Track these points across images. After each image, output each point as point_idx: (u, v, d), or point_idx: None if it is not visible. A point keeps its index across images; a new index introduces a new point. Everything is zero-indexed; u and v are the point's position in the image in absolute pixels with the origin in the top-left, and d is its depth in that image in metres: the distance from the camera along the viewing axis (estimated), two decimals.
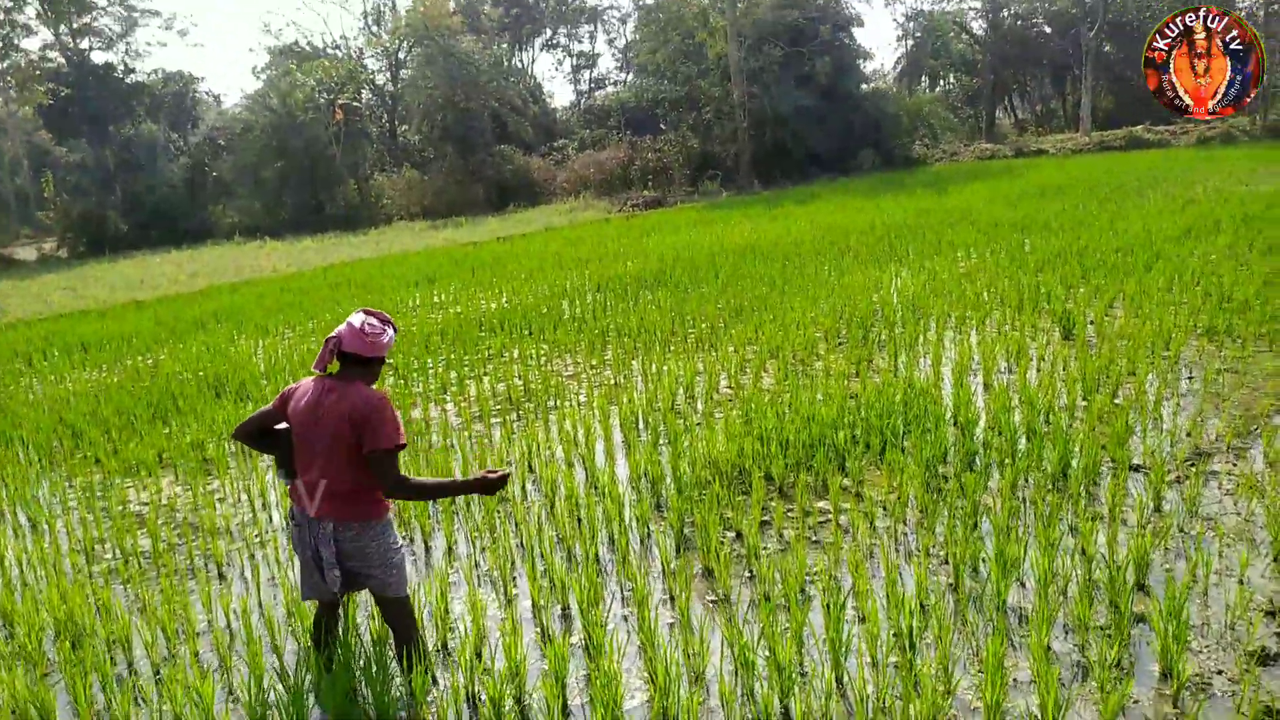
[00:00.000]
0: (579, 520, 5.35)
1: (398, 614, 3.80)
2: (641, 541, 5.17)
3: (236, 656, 4.27)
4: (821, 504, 5.41)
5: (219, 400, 8.99)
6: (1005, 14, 51.64)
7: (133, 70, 42.06)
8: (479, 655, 4.07)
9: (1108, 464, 5.60)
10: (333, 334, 3.64)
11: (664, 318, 10.91)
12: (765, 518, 5.29)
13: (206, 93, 46.77)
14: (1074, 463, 5.51)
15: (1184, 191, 19.06)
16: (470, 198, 37.22)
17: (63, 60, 40.41)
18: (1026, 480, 5.46)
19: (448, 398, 8.63)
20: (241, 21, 72.82)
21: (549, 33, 55.02)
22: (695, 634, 4.03)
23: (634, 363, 9.13)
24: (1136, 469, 5.54)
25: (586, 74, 58.09)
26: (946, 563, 4.57)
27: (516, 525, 5.41)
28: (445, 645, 4.22)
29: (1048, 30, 50.89)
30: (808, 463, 5.93)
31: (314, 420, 3.57)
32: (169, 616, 4.51)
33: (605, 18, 56.57)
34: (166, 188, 39.21)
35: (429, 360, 10.06)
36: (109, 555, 5.67)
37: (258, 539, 5.70)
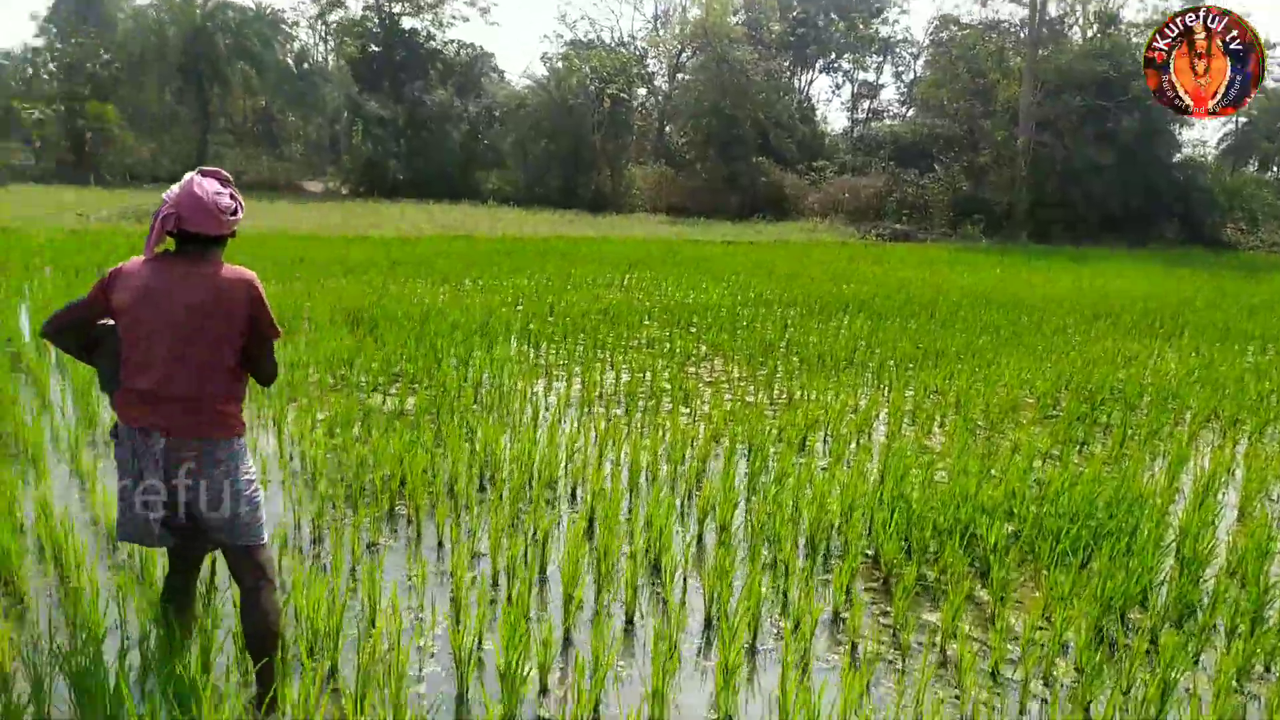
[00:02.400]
0: (577, 561, 4.03)
1: (252, 568, 2.79)
2: (648, 607, 3.78)
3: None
4: (930, 616, 3.77)
5: (352, 329, 8.51)
6: None
7: (433, 37, 44.99)
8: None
9: None
10: (166, 206, 2.65)
11: (847, 343, 9.28)
12: (843, 613, 3.74)
13: (493, 68, 49.22)
14: None
15: None
16: (717, 203, 36.52)
17: (375, 20, 43.92)
18: (1269, 669, 3.52)
19: (563, 376, 7.58)
20: (539, 8, 76.99)
21: (833, 56, 53.18)
22: None
23: (790, 383, 7.64)
24: None
25: (865, 103, 55.74)
26: None
27: (527, 535, 4.20)
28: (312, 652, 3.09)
29: None
30: (935, 553, 4.27)
31: (158, 309, 2.65)
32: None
33: (896, 50, 53.85)
34: (445, 150, 41.62)
35: (572, 336, 9.09)
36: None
37: None
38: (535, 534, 4.14)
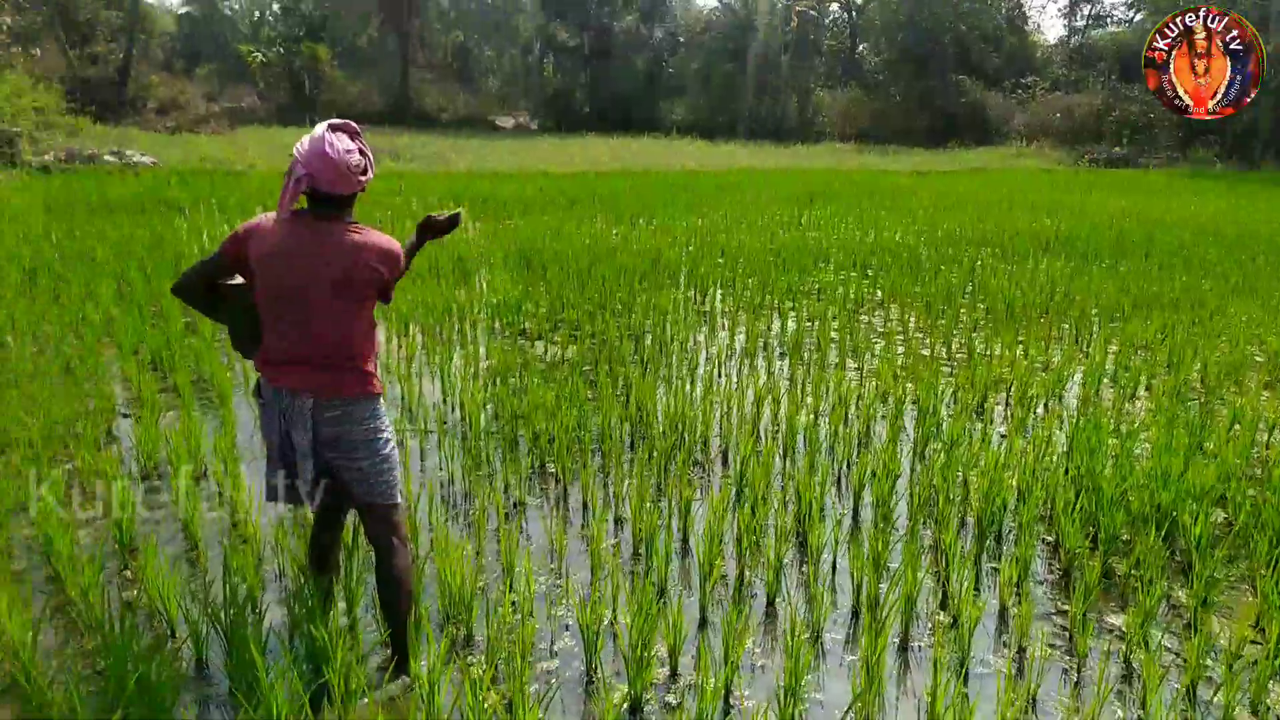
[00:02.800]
0: (720, 533, 3.84)
1: (386, 527, 2.81)
2: (792, 590, 3.56)
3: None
4: (1115, 619, 3.36)
5: (524, 272, 8.64)
6: None
7: None
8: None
9: None
10: (298, 166, 2.59)
11: (1043, 290, 8.49)
12: (1011, 610, 3.39)
13: None
14: None
15: None
16: (909, 126, 34.53)
17: None
18: None
19: (727, 325, 7.36)
20: None
21: None
22: None
23: (972, 335, 7.07)
24: None
25: (1086, 8, 50.45)
26: None
27: (671, 501, 4.09)
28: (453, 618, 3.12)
29: None
30: (1126, 544, 3.80)
31: (293, 271, 2.64)
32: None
33: None
34: (629, 78, 41.53)
35: (741, 281, 8.83)
36: None
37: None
38: (679, 500, 4.01)
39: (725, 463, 4.67)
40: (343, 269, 2.62)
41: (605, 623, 3.14)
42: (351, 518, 3.26)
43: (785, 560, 3.58)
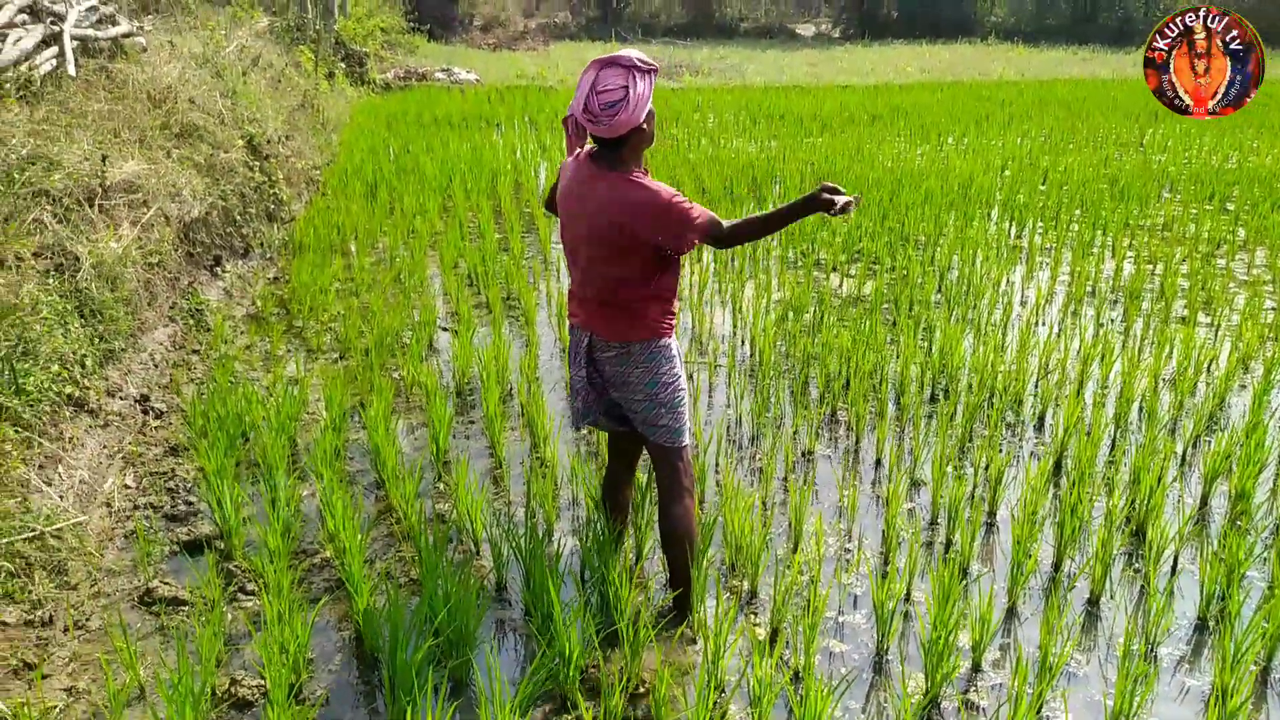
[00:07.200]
0: (1036, 512, 3.41)
1: (667, 470, 2.76)
2: (1122, 589, 3.09)
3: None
4: None
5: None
6: None
7: None
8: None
9: None
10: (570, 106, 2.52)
11: None
12: None
13: None
14: None
15: None
16: None
17: None
18: None
19: (1046, 264, 6.58)
20: None
21: None
22: None
23: None
24: None
25: None
26: None
27: (978, 468, 3.71)
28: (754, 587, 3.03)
29: None
30: None
31: (571, 213, 2.66)
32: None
33: None
34: None
35: (1066, 212, 7.86)
36: None
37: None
38: (987, 468, 3.64)
39: (1041, 428, 4.18)
40: (592, 221, 2.55)
41: (900, 599, 2.92)
42: (646, 458, 3.26)
43: (1114, 554, 3.13)
